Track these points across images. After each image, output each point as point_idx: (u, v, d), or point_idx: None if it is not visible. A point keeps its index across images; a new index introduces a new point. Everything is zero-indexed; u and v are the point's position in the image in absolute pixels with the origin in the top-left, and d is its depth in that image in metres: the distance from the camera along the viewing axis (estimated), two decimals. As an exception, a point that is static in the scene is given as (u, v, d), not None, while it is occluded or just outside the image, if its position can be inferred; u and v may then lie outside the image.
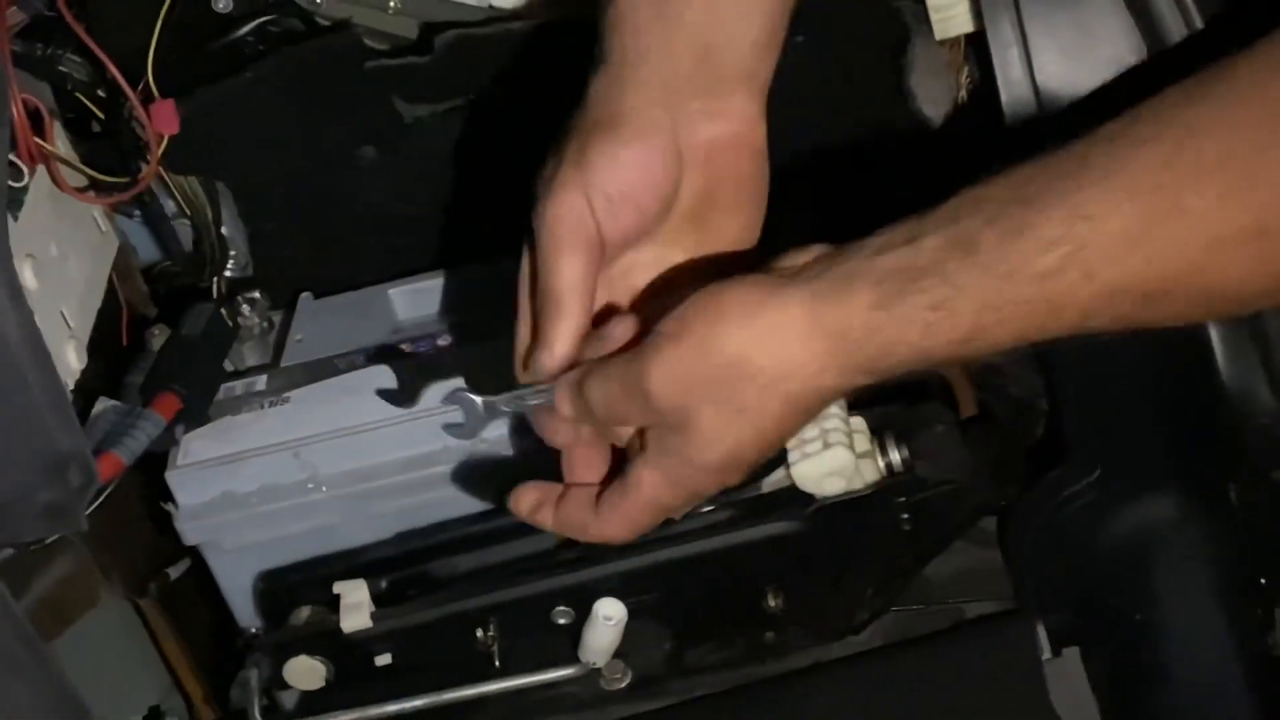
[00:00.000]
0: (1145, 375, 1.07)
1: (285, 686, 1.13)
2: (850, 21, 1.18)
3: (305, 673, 1.12)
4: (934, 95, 1.18)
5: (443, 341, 1.17)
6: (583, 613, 1.10)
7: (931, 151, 1.20)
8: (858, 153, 1.24)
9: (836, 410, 1.07)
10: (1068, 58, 0.99)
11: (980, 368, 1.24)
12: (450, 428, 0.99)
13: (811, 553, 1.09)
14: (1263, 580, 1.06)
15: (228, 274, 1.28)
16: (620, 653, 1.12)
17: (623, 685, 1.13)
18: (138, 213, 1.26)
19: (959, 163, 0.81)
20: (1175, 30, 0.95)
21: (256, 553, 1.15)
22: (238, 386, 1.18)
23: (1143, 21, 0.96)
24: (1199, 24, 0.94)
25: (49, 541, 1.05)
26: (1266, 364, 0.99)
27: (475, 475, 1.14)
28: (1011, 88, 1.00)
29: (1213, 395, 1.01)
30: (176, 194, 1.23)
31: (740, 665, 1.15)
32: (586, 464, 0.93)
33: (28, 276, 1.01)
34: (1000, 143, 1.01)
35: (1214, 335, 1.00)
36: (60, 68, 1.14)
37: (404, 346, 1.18)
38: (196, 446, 1.14)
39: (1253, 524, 0.91)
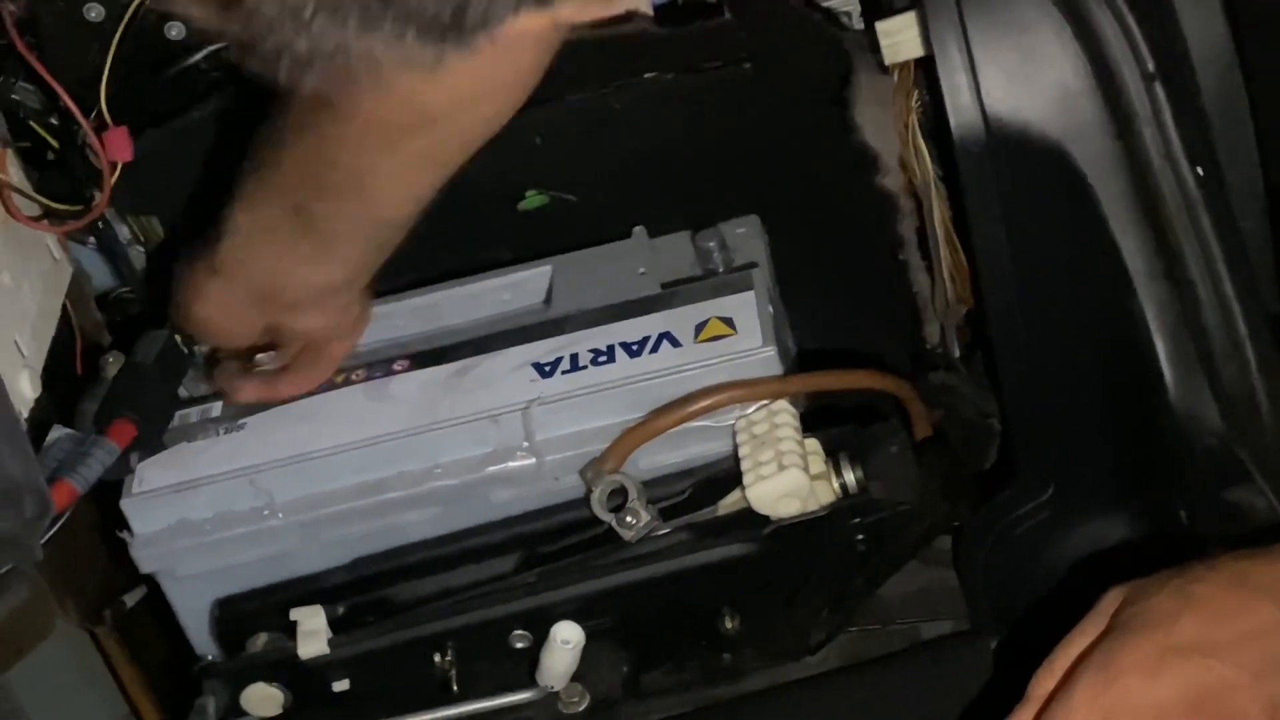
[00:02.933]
0: (1095, 397, 1.09)
1: (242, 714, 1.13)
2: (795, 51, 1.19)
3: (262, 700, 1.12)
4: (878, 126, 1.19)
5: (398, 366, 1.17)
6: (540, 636, 1.10)
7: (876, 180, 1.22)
8: (803, 182, 1.25)
9: (791, 432, 1.08)
10: (1014, 81, 1.00)
11: (934, 388, 1.25)
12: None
13: (767, 574, 1.10)
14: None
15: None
16: (578, 676, 1.12)
17: (580, 709, 1.13)
18: (92, 240, 1.26)
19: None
20: (1120, 54, 0.96)
21: (212, 580, 1.15)
22: (193, 413, 1.18)
23: (1087, 46, 0.97)
24: (1143, 49, 0.96)
25: (3, 572, 1.05)
26: (1214, 386, 1.00)
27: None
28: (960, 111, 1.01)
29: (1162, 416, 1.02)
30: (130, 222, 1.23)
31: (697, 687, 1.14)
32: None
33: (-20, 305, 1.01)
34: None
35: (1162, 356, 1.01)
36: (13, 95, 1.14)
37: (358, 373, 1.18)
38: (151, 474, 1.14)
39: (1202, 542, 0.92)
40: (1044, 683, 0.86)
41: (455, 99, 0.96)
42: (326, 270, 1.09)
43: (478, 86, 0.96)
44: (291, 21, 0.58)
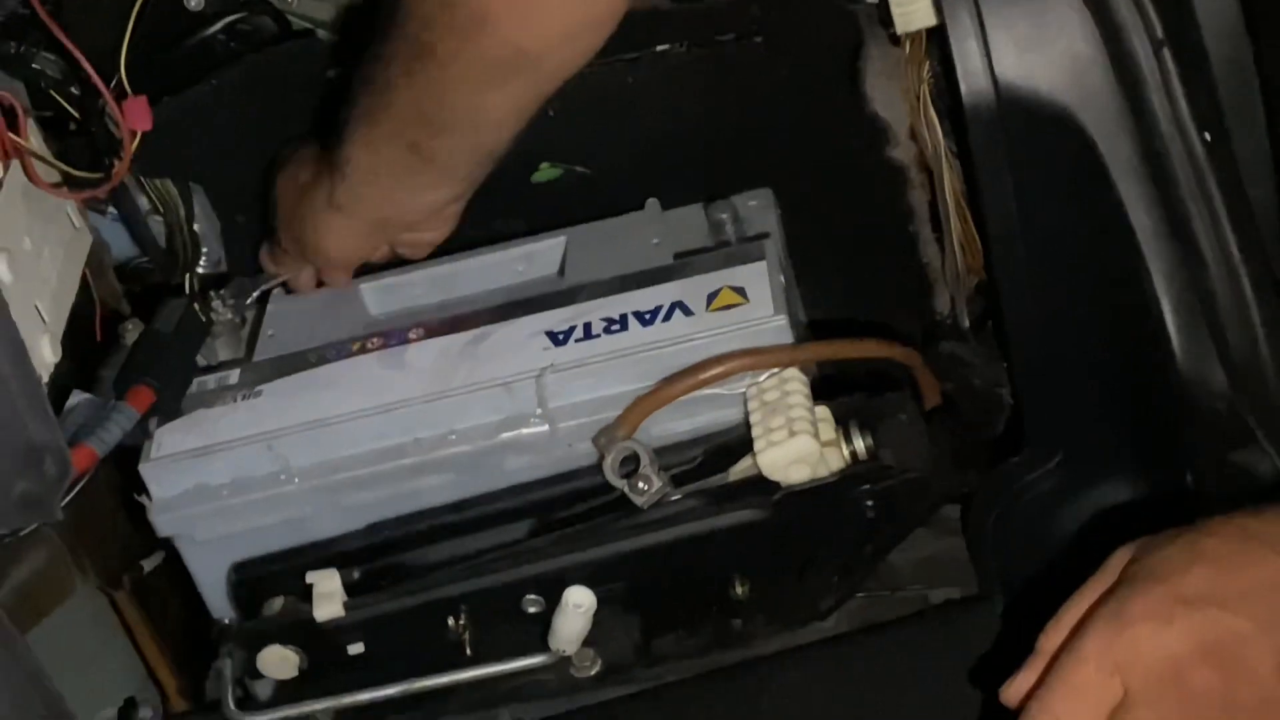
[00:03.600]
0: (1103, 364, 1.10)
1: (259, 676, 1.14)
2: (807, 24, 1.20)
3: (279, 662, 1.13)
4: (888, 97, 1.20)
5: (413, 335, 1.19)
6: (553, 601, 1.11)
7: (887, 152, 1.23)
8: (815, 154, 1.26)
9: (802, 399, 1.09)
10: (1024, 49, 1.01)
11: (945, 358, 1.26)
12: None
13: (778, 540, 1.11)
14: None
15: (200, 270, 1.29)
16: (590, 640, 1.12)
17: (592, 673, 1.14)
18: (112, 210, 1.27)
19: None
20: (1130, 22, 0.97)
21: (229, 544, 1.16)
22: (210, 380, 1.19)
23: (1097, 14, 0.98)
24: (1153, 16, 0.96)
25: (24, 534, 1.06)
26: (1220, 349, 1.01)
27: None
28: (970, 79, 1.02)
29: (1169, 381, 1.03)
30: (149, 191, 1.24)
31: (708, 652, 1.16)
32: None
33: (2, 270, 1.02)
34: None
35: (1169, 322, 1.02)
36: (34, 65, 1.15)
37: (374, 341, 1.19)
38: (170, 440, 1.15)
39: (1209, 505, 0.93)
40: (1053, 637, 0.87)
41: (553, 37, 1.04)
42: (443, 192, 1.17)
43: (572, 25, 1.03)
44: None
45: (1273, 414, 1.00)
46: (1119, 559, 0.87)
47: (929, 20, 1.07)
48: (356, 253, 1.23)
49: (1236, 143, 1.00)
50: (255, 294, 1.25)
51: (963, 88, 1.02)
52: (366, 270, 1.27)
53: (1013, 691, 0.88)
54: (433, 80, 1.06)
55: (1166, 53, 0.96)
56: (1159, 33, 0.96)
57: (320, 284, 1.26)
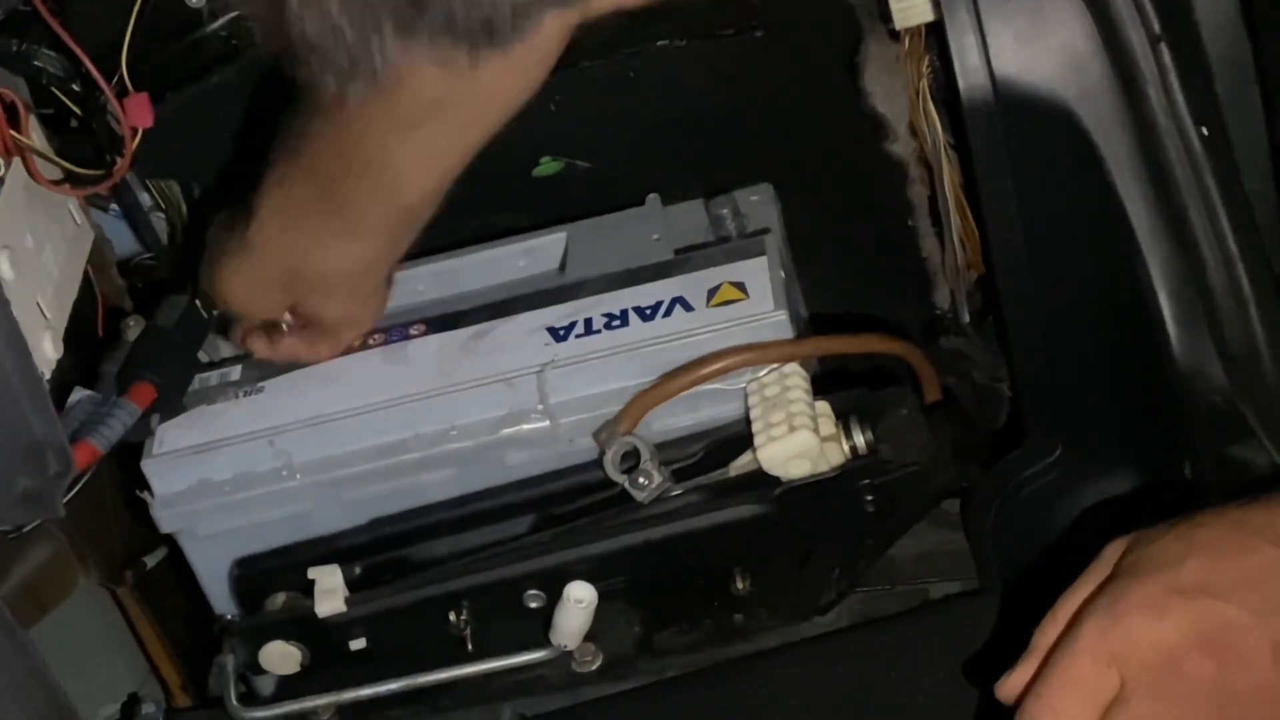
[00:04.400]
0: (1102, 358, 1.10)
1: (261, 671, 1.15)
2: (806, 18, 1.20)
3: (281, 657, 1.14)
4: (888, 92, 1.20)
5: (415, 330, 1.19)
6: (554, 596, 1.11)
7: (885, 147, 1.23)
8: (815, 149, 1.26)
9: (802, 394, 1.09)
10: (1023, 44, 1.01)
11: (945, 353, 1.27)
12: None
13: (778, 535, 1.11)
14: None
15: (203, 266, 1.29)
16: (591, 635, 1.13)
17: (594, 667, 1.15)
18: (114, 206, 1.27)
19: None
20: (1127, 17, 0.97)
21: (232, 540, 1.17)
22: (212, 376, 1.19)
23: (1094, 9, 0.98)
24: (1150, 11, 0.96)
25: (26, 530, 1.07)
26: (1218, 344, 1.01)
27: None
28: (968, 75, 1.02)
29: (1167, 375, 1.03)
30: (151, 188, 1.24)
31: (709, 646, 1.16)
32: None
33: (4, 267, 1.03)
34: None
35: (1167, 316, 1.02)
36: (35, 62, 1.15)
37: (376, 337, 1.19)
38: (172, 436, 1.16)
39: (1207, 499, 0.93)
40: (1049, 632, 0.87)
41: (474, 90, 0.96)
42: (352, 251, 1.09)
43: (498, 79, 0.95)
44: (332, 38, 0.59)
45: (1270, 408, 1.00)
46: (1112, 552, 0.88)
47: (927, 16, 1.07)
48: (263, 300, 1.15)
49: (1234, 137, 1.00)
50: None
51: (960, 83, 1.02)
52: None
53: (1008, 687, 0.88)
54: (349, 121, 0.99)
55: (1164, 47, 0.96)
56: (1156, 28, 0.96)
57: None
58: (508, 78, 0.94)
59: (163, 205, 1.26)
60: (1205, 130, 0.97)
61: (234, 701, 1.14)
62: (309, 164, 1.04)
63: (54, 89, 1.17)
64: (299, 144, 1.04)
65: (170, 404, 1.16)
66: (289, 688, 1.16)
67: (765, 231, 1.21)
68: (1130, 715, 0.83)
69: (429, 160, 1.02)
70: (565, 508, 1.14)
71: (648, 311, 1.15)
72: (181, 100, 1.19)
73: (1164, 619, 0.83)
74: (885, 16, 1.11)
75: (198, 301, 1.21)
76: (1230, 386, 1.00)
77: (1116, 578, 0.86)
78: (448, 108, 0.96)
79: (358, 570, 1.15)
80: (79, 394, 1.13)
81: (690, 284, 1.16)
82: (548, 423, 1.13)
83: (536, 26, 0.60)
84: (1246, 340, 0.99)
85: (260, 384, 1.18)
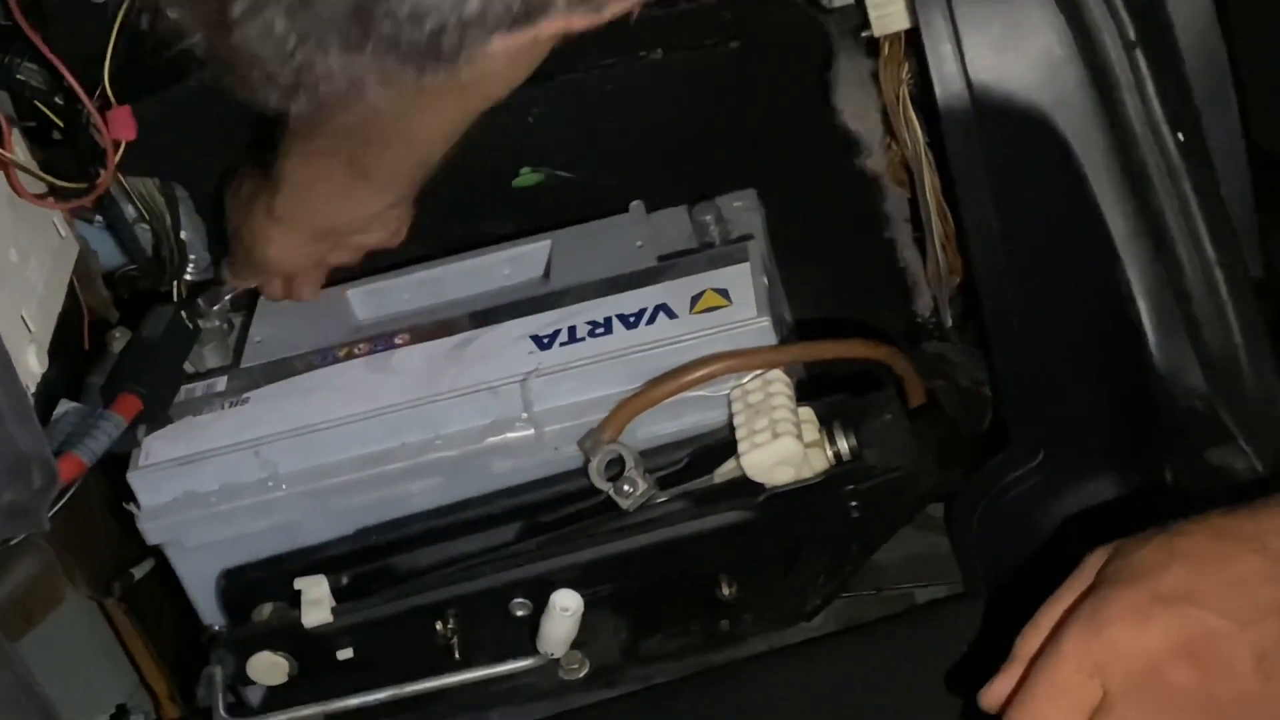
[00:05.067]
0: (1083, 362, 1.10)
1: (249, 682, 1.15)
2: (780, 29, 1.20)
3: (268, 668, 1.14)
4: (859, 109, 1.21)
5: (399, 340, 1.19)
6: (540, 604, 1.11)
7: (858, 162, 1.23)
8: (794, 158, 1.26)
9: (785, 401, 1.09)
10: (999, 51, 1.01)
11: (929, 358, 1.27)
12: None
13: (763, 541, 1.11)
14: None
15: (188, 277, 1.29)
16: (578, 643, 1.13)
17: (581, 675, 1.15)
18: (99, 218, 1.27)
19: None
20: (1103, 23, 0.97)
21: (218, 551, 1.17)
22: (198, 387, 1.20)
23: (1069, 15, 0.98)
24: (1125, 16, 0.97)
25: (13, 543, 1.07)
26: (1197, 349, 1.01)
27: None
28: (945, 82, 1.02)
29: (1147, 380, 1.03)
30: (135, 199, 1.24)
31: (696, 653, 1.16)
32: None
33: (-12, 282, 1.03)
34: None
35: (1146, 321, 1.03)
36: (18, 76, 1.15)
37: (361, 347, 1.19)
38: (158, 447, 1.16)
39: (1189, 504, 0.94)
40: (1030, 640, 0.87)
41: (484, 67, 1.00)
42: (379, 200, 1.17)
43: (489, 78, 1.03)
44: (275, 53, 0.59)
45: (1249, 413, 1.00)
46: (1094, 561, 0.88)
47: (904, 23, 1.07)
48: (303, 262, 1.23)
49: (1210, 142, 1.01)
50: (223, 299, 1.27)
51: (938, 90, 1.02)
52: (346, 275, 1.27)
53: (992, 696, 0.88)
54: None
55: (1139, 53, 0.97)
56: (1131, 34, 0.97)
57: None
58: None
59: (147, 216, 1.26)
60: (1181, 135, 0.97)
61: (222, 713, 1.14)
62: (330, 140, 1.11)
63: (36, 102, 1.17)
64: (317, 119, 1.09)
65: (156, 415, 1.16)
66: (277, 698, 1.15)
67: (749, 238, 1.21)
68: None
69: (448, 126, 1.11)
70: (551, 516, 1.14)
71: (631, 319, 1.15)
72: (161, 100, 1.19)
73: (1147, 628, 0.83)
74: (862, 25, 1.12)
75: (183, 312, 1.22)
76: (1209, 390, 1.01)
77: (1099, 586, 0.86)
78: (463, 84, 0.98)
79: (344, 580, 1.15)
80: (64, 406, 1.13)
81: (674, 291, 1.16)
82: (532, 431, 1.13)
83: (483, 48, 0.60)
84: (1224, 344, 0.99)
85: (246, 394, 1.18)
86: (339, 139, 1.11)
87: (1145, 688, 0.83)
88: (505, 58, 0.95)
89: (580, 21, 0.68)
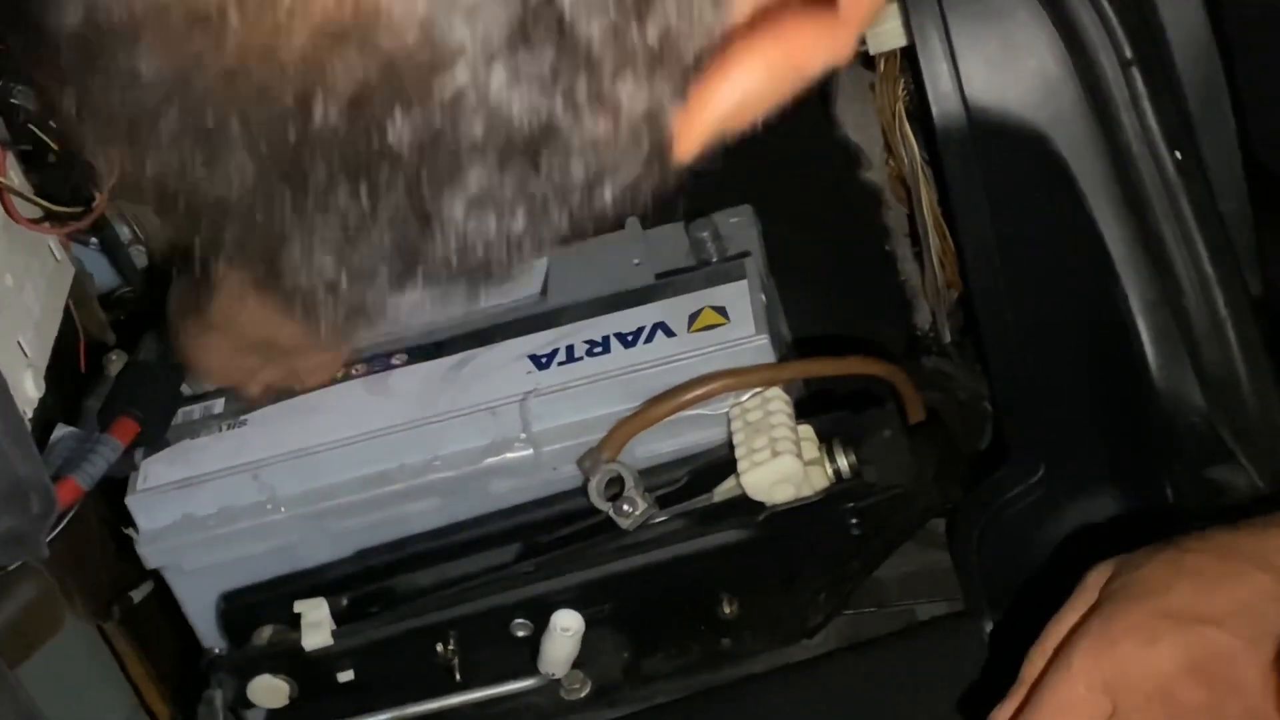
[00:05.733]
0: (1082, 379, 1.10)
1: (250, 705, 1.15)
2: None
3: (269, 691, 1.14)
4: (859, 121, 1.20)
5: (396, 360, 1.19)
6: (541, 624, 1.11)
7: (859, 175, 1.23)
8: (793, 173, 1.26)
9: (785, 419, 1.09)
10: (994, 69, 1.01)
11: (928, 373, 1.27)
12: None
13: (764, 559, 1.11)
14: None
15: (184, 298, 1.29)
16: (579, 663, 1.13)
17: (582, 695, 1.15)
18: (94, 240, 1.27)
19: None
20: (1097, 41, 0.97)
21: (218, 574, 1.17)
22: (195, 410, 1.19)
23: (1065, 34, 0.98)
24: (1120, 35, 0.97)
25: (11, 569, 1.06)
26: (1196, 366, 1.01)
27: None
28: (941, 100, 1.02)
29: (1146, 397, 1.03)
30: (131, 222, 1.24)
31: (697, 672, 1.16)
32: None
33: (-16, 307, 1.03)
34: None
35: (1144, 338, 1.03)
36: (12, 100, 1.15)
37: (358, 368, 1.19)
38: (155, 470, 1.16)
39: (1188, 521, 0.94)
40: (1036, 662, 0.87)
41: None
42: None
43: None
44: (327, 291, 0.58)
45: (1249, 430, 1.00)
46: (1096, 577, 0.88)
47: (899, 41, 1.07)
48: (237, 372, 1.16)
49: (1207, 159, 1.00)
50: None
51: (934, 109, 1.02)
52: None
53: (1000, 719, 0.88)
54: None
55: (1135, 71, 0.96)
56: (1127, 51, 0.96)
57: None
58: None
59: (142, 238, 1.25)
60: (1178, 153, 0.97)
61: (223, 736, 1.14)
62: None
63: (31, 126, 1.17)
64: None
65: (153, 439, 1.16)
66: (278, 721, 1.16)
67: (746, 255, 1.21)
68: None
69: None
70: (550, 536, 1.14)
71: (629, 337, 1.15)
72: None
73: (1156, 645, 0.83)
74: (859, 41, 1.11)
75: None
76: (1208, 408, 1.00)
77: (1104, 603, 0.86)
78: None
79: (344, 602, 1.15)
80: (62, 430, 1.13)
81: (671, 309, 1.16)
82: (531, 451, 1.13)
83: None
84: (1223, 362, 0.99)
85: (243, 417, 1.18)
86: None
87: (1155, 705, 0.83)
88: None
89: None
